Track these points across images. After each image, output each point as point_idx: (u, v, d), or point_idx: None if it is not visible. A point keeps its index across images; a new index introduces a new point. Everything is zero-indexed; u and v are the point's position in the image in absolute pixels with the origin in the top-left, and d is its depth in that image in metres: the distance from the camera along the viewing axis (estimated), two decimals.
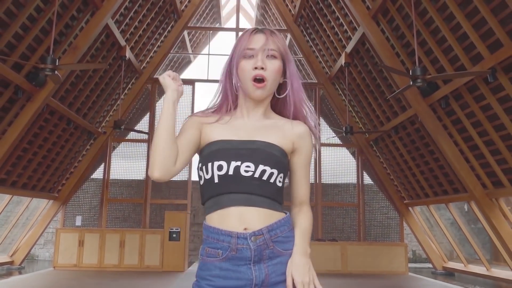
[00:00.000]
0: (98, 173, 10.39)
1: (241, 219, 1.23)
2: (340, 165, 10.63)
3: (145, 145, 10.41)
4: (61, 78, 5.75)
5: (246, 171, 1.23)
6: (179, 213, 9.40)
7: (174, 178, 10.31)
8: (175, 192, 10.35)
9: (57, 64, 5.42)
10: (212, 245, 1.23)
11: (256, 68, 1.26)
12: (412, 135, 8.12)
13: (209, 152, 1.27)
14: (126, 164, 10.46)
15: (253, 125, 1.31)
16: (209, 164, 1.25)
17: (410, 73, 5.32)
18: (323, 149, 10.53)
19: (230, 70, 1.33)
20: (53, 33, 5.62)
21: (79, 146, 9.60)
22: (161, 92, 10.76)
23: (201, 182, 1.29)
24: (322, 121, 10.63)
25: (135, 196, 10.25)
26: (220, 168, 1.24)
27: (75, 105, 8.50)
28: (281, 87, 1.35)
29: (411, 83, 5.36)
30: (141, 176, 10.39)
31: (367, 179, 10.56)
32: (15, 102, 6.83)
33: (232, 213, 1.23)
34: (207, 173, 1.26)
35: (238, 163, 1.24)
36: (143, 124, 10.54)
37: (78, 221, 9.91)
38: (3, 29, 5.84)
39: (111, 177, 10.28)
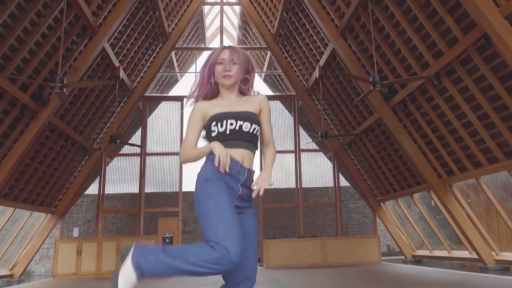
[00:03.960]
0: (93, 187, 11.02)
1: (241, 156, 2.05)
2: (318, 169, 11.56)
3: (137, 159, 11.13)
4: (66, 95, 6.51)
5: (246, 127, 2.07)
6: (172, 219, 10.12)
7: (166, 190, 11.08)
8: (167, 202, 11.06)
9: (64, 82, 6.18)
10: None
11: (225, 71, 2.12)
12: (380, 137, 9.12)
13: (221, 116, 2.08)
14: (120, 178, 11.15)
15: (235, 103, 2.15)
16: (224, 121, 2.06)
17: (371, 79, 6.29)
18: (302, 155, 11.44)
19: (208, 73, 2.17)
20: (60, 55, 6.40)
21: (75, 162, 10.25)
22: (151, 109, 11.57)
23: (213, 134, 2.07)
24: (300, 130, 11.57)
25: (129, 207, 10.93)
26: (231, 124, 2.05)
27: (73, 122, 9.21)
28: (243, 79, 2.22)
29: (371, 88, 6.33)
30: (135, 189, 11.06)
31: (343, 181, 11.50)
32: (21, 120, 7.52)
33: (237, 151, 2.05)
34: (221, 127, 2.06)
35: (241, 122, 2.07)
36: (135, 139, 11.26)
37: (76, 232, 10.50)
38: (13, 53, 6.61)
39: (106, 191, 10.95)
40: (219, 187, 1.96)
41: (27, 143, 7.70)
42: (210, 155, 2.04)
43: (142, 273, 1.83)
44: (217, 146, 1.99)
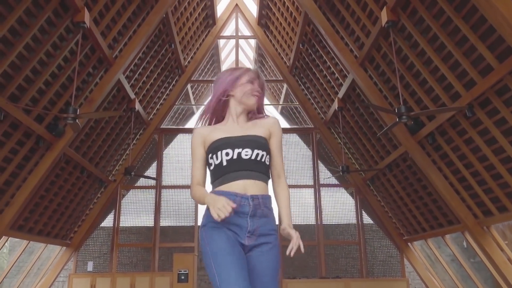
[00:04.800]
0: (108, 220, 10.78)
1: (243, 187, 1.73)
2: (339, 205, 11.02)
3: (153, 191, 10.88)
4: (80, 126, 6.35)
5: (246, 155, 1.76)
6: (187, 255, 9.70)
7: (181, 224, 10.74)
8: (182, 236, 10.69)
9: (78, 113, 6.02)
10: None
11: (256, 92, 1.88)
12: (405, 172, 8.60)
13: (217, 145, 1.79)
14: (135, 211, 10.89)
15: (241, 126, 1.86)
16: (219, 153, 1.77)
17: (396, 111, 5.91)
18: (322, 190, 10.96)
19: (223, 93, 1.89)
20: (74, 87, 6.29)
21: (91, 194, 10.07)
22: (167, 141, 11.41)
23: (211, 168, 1.79)
24: (319, 164, 11.15)
25: (144, 241, 10.60)
26: (227, 154, 1.76)
27: (89, 154, 9.08)
28: None
29: (397, 119, 5.93)
30: (150, 222, 10.77)
31: (367, 218, 10.91)
32: (36, 151, 7.40)
33: (237, 183, 1.73)
34: (217, 159, 1.77)
35: (240, 149, 1.76)
36: (150, 171, 11.07)
37: (90, 266, 10.21)
38: (28, 84, 6.54)
39: (121, 224, 10.69)
40: (214, 231, 1.68)
41: (42, 174, 7.56)
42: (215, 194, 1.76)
43: None
44: (210, 202, 1.64)
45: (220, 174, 1.77)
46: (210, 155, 1.82)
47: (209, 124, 1.95)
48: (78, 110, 6.03)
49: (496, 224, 7.16)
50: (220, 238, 1.65)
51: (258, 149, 1.78)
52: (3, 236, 7.68)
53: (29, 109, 6.48)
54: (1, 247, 8.58)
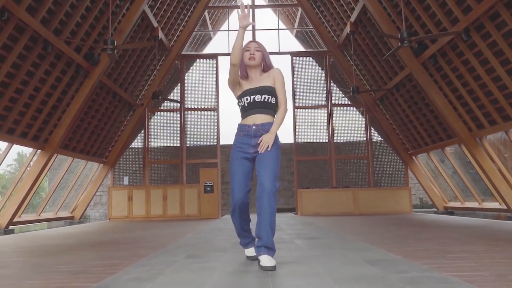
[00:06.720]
0: (138, 141, 11.95)
1: (253, 119, 2.84)
2: (350, 124, 11.91)
3: (177, 114, 11.88)
4: (116, 56, 7.16)
5: (257, 99, 2.85)
6: (212, 170, 10.93)
7: (205, 143, 11.80)
8: (207, 154, 11.85)
9: (115, 44, 6.81)
10: (241, 130, 2.84)
11: (250, 54, 2.89)
12: (411, 91, 9.32)
13: (243, 94, 2.87)
14: (162, 132, 11.99)
15: (258, 80, 2.92)
16: (243, 98, 2.88)
17: (398, 36, 6.52)
18: (334, 109, 11.79)
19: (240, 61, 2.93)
20: (110, 18, 6.98)
21: (122, 116, 11.12)
22: (188, 67, 12.15)
23: (240, 106, 2.91)
24: (332, 85, 11.85)
25: (172, 158, 11.83)
26: (247, 99, 2.86)
27: (119, 80, 9.96)
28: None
29: (400, 44, 6.57)
30: (176, 143, 11.90)
31: (375, 135, 11.82)
32: (76, 79, 8.32)
33: (251, 118, 2.85)
34: (242, 102, 2.88)
35: (254, 96, 2.85)
36: (174, 95, 11.96)
37: (126, 180, 11.56)
38: (68, 18, 7.27)
39: (150, 144, 11.86)
40: (234, 155, 2.85)
41: (83, 99, 8.54)
42: (238, 125, 2.90)
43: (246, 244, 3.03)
44: (239, 28, 2.76)
45: (243, 111, 2.88)
46: (239, 100, 2.89)
47: (240, 71, 2.96)
48: (115, 42, 6.80)
49: (489, 138, 7.95)
50: (236, 162, 2.82)
51: (266, 94, 2.83)
52: (54, 154, 8.87)
53: (69, 40, 7.27)
54: (51, 165, 9.82)
